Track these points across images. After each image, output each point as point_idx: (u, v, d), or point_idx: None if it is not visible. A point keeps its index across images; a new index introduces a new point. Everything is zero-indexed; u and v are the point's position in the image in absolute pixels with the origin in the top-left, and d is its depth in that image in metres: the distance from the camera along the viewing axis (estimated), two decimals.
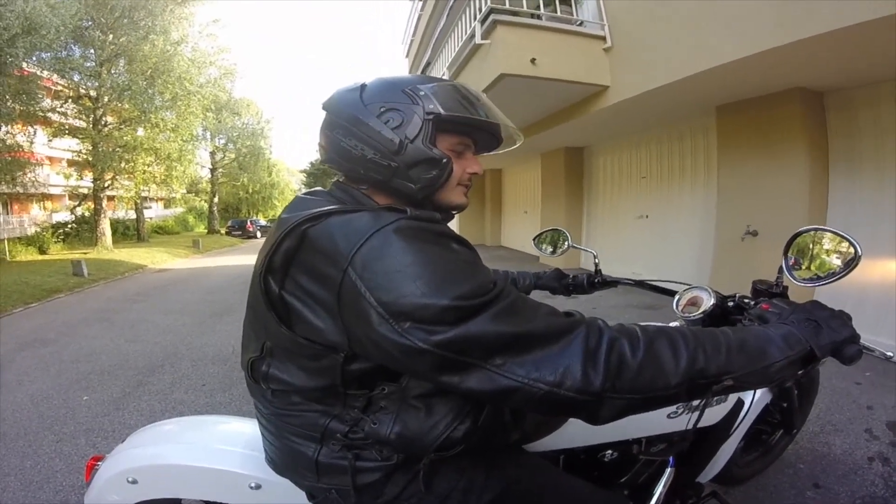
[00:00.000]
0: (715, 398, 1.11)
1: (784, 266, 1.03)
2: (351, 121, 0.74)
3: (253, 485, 0.90)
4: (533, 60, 4.29)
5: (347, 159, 0.76)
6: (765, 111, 3.91)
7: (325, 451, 0.75)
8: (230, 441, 0.99)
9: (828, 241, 1.00)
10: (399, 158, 0.73)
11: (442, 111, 0.73)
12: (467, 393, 0.59)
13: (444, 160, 0.76)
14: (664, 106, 4.64)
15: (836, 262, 0.97)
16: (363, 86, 0.77)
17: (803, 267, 1.02)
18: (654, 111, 4.92)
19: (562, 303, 1.33)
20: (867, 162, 3.42)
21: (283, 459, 0.81)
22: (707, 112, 4.63)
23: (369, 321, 0.59)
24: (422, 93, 0.74)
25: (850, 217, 3.43)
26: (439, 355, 0.57)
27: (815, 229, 1.01)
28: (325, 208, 0.68)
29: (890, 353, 0.83)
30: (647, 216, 6.11)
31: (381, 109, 0.73)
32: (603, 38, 4.59)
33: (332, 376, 0.69)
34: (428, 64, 7.92)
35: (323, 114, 0.81)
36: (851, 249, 0.92)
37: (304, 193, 0.81)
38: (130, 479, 0.95)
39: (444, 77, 5.69)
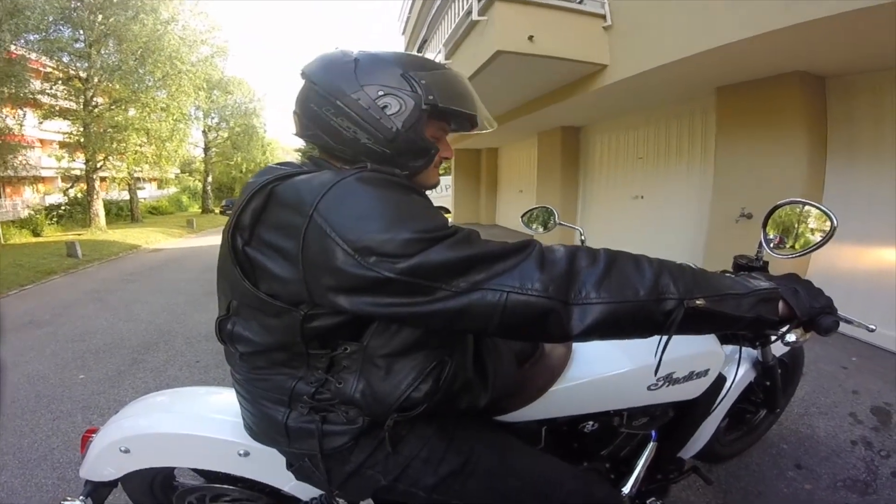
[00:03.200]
0: (696, 375, 1.13)
1: (763, 240, 1.05)
2: (345, 100, 0.72)
3: (241, 452, 0.93)
4: (531, 38, 4.21)
5: (337, 140, 0.75)
6: (765, 94, 3.86)
7: (293, 416, 0.76)
8: (220, 410, 1.01)
9: (805, 215, 1.02)
10: (392, 146, 0.74)
11: (440, 103, 0.74)
12: (435, 316, 0.61)
13: (433, 151, 0.79)
14: (663, 86, 4.58)
15: (813, 234, 1.00)
16: (356, 60, 0.75)
17: (787, 243, 1.03)
18: (653, 91, 4.86)
19: None
20: (865, 149, 3.40)
21: (259, 425, 0.83)
22: (707, 93, 4.57)
23: (334, 260, 0.60)
24: (422, 81, 0.74)
25: (845, 203, 3.42)
26: (404, 282, 0.59)
27: (794, 202, 1.03)
28: (291, 170, 0.70)
29: (873, 326, 0.83)
30: (642, 197, 6.08)
31: (380, 93, 0.72)
32: (603, 17, 4.50)
33: (293, 333, 0.70)
34: (424, 41, 7.75)
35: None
36: (828, 221, 0.95)
37: (275, 164, 0.80)
38: (123, 449, 0.97)
39: (441, 55, 5.59)
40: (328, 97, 0.73)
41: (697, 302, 0.64)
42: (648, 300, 0.63)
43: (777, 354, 1.45)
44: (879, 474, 1.84)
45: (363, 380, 0.73)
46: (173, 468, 1.08)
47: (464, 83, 0.81)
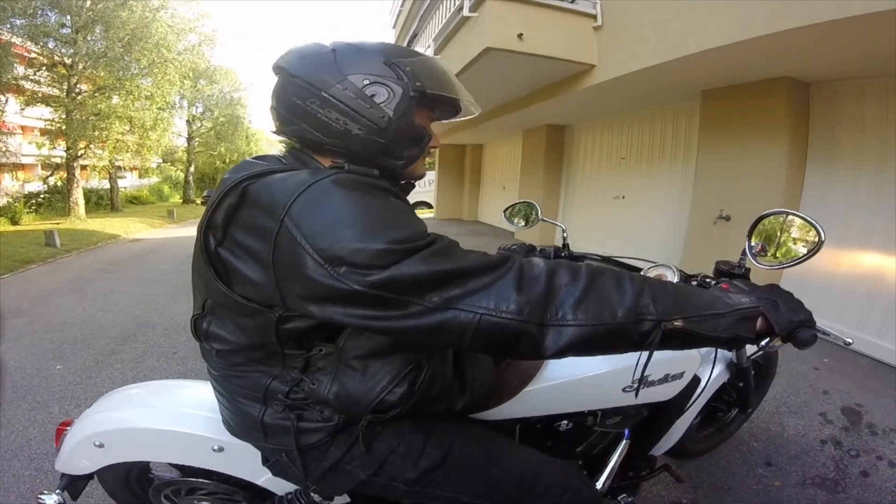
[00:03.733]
0: (671, 377, 1.15)
1: (747, 248, 1.03)
2: (331, 91, 0.70)
3: (216, 447, 0.92)
4: (520, 35, 4.21)
5: (326, 133, 0.72)
6: (750, 98, 3.91)
7: (269, 412, 0.76)
8: (195, 405, 1.00)
9: (792, 226, 1.00)
10: (386, 135, 0.72)
11: (428, 90, 0.73)
12: (406, 332, 0.59)
13: (426, 138, 0.78)
14: (650, 88, 4.61)
15: (799, 246, 0.98)
16: (334, 51, 0.73)
17: (769, 251, 1.02)
18: (639, 93, 4.89)
19: None
20: (845, 155, 3.45)
21: (236, 421, 0.82)
22: (692, 96, 4.62)
23: (304, 268, 0.58)
24: (407, 68, 0.72)
25: (822, 208, 3.47)
26: (374, 295, 0.57)
27: (781, 212, 1.01)
28: (268, 167, 0.68)
29: (849, 339, 0.84)
30: (623, 197, 6.12)
31: (366, 82, 0.70)
32: (594, 17, 4.51)
33: (267, 334, 0.69)
34: (415, 36, 7.70)
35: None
36: (815, 234, 0.93)
37: (253, 158, 0.79)
38: (97, 443, 0.96)
39: (430, 49, 5.55)
40: (312, 89, 0.70)
41: (676, 323, 0.63)
42: (626, 322, 0.61)
43: (750, 356, 1.47)
44: (848, 473, 1.88)
45: (337, 382, 0.73)
46: (149, 462, 1.07)
47: (446, 69, 0.81)
